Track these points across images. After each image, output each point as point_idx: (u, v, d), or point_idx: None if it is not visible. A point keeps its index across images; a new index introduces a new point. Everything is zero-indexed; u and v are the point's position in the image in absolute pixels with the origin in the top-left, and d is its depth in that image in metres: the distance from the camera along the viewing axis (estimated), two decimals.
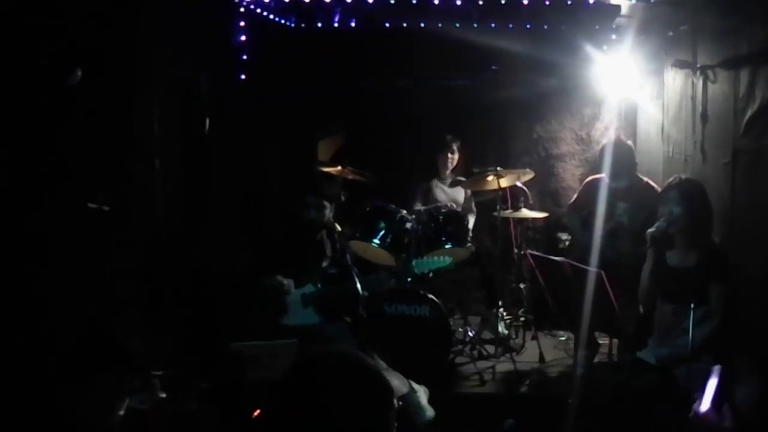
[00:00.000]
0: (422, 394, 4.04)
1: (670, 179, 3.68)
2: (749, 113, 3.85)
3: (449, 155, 5.90)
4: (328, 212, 4.56)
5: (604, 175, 4.92)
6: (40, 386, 2.85)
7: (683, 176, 3.68)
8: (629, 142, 4.92)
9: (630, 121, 6.13)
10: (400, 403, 3.27)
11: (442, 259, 4.76)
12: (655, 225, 3.58)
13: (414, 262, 4.74)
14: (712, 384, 2.84)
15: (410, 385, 3.97)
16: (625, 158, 4.79)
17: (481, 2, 5.51)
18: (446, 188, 5.98)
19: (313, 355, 1.74)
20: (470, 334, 5.33)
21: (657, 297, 3.62)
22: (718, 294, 3.39)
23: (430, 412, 4.00)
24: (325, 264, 4.57)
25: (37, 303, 3.51)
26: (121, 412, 2.75)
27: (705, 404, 2.76)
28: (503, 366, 4.99)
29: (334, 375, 1.66)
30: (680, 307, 3.47)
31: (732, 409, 2.94)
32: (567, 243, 5.84)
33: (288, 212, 4.65)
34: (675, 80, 5.04)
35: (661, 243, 3.54)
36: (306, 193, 4.54)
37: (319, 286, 4.43)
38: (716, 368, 2.91)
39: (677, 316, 3.50)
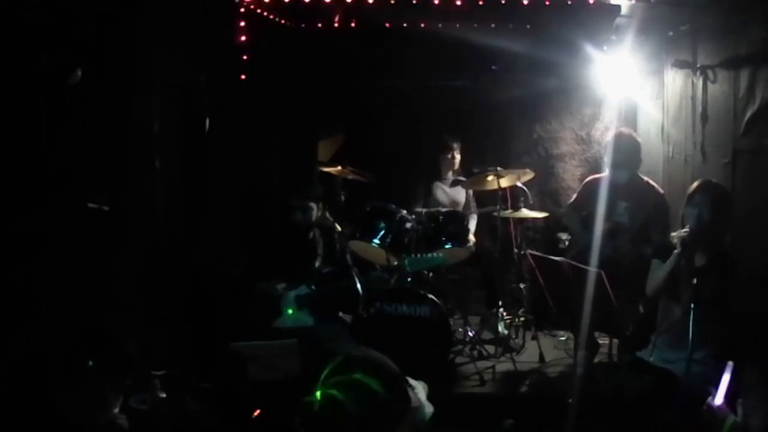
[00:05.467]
0: (421, 390, 4.03)
1: (699, 181, 3.61)
2: (749, 113, 3.85)
3: (451, 155, 5.90)
4: (315, 212, 4.53)
5: (604, 175, 4.92)
6: (39, 386, 2.85)
7: (713, 180, 3.64)
8: (638, 138, 4.91)
9: (630, 121, 6.12)
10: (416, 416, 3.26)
11: (435, 255, 4.76)
12: (686, 228, 3.50)
13: (407, 261, 4.74)
14: (725, 379, 2.86)
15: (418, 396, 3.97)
16: (627, 148, 4.79)
17: (481, 2, 5.51)
18: (447, 189, 5.98)
19: (346, 357, 1.76)
20: (470, 334, 5.33)
21: (668, 298, 3.60)
22: (711, 288, 3.38)
23: (429, 408, 3.99)
24: (317, 264, 4.55)
25: (37, 303, 3.52)
26: (116, 410, 2.75)
27: (719, 398, 2.80)
28: (503, 366, 4.99)
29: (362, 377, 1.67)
30: (687, 309, 3.46)
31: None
32: (567, 243, 5.85)
33: (278, 214, 4.64)
34: (675, 80, 5.04)
35: (690, 248, 3.48)
36: (288, 196, 4.53)
37: (313, 287, 4.41)
38: (729, 364, 2.92)
39: (685, 316, 3.49)
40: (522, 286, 5.72)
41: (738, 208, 4.00)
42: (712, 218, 3.46)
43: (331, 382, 1.76)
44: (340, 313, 4.71)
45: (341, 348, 3.48)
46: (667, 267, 3.54)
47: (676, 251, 3.48)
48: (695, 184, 3.62)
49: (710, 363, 3.39)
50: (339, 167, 5.76)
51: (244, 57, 5.41)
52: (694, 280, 3.32)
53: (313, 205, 4.49)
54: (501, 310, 5.36)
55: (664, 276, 3.55)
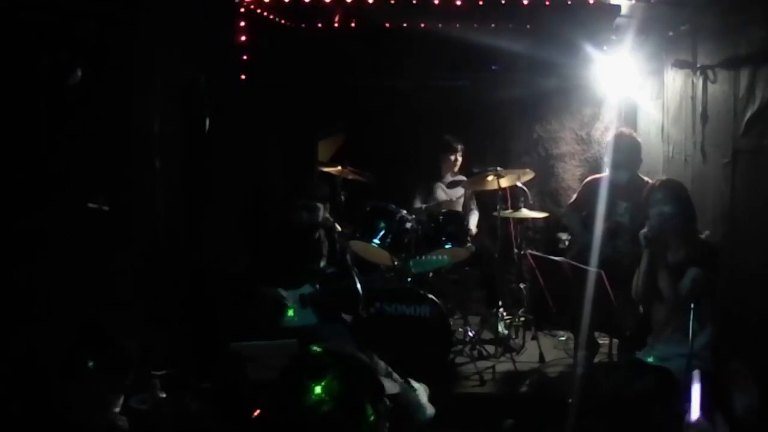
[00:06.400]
0: (422, 392, 4.04)
1: (653, 182, 3.73)
2: (749, 113, 3.85)
3: (454, 157, 5.92)
4: (322, 212, 4.55)
5: (604, 175, 4.92)
6: (39, 386, 2.85)
7: (663, 177, 3.76)
8: (638, 138, 4.92)
9: (630, 121, 6.13)
10: (390, 404, 3.25)
11: (440, 258, 4.76)
12: (647, 226, 3.59)
13: (411, 263, 4.75)
14: (696, 391, 2.84)
15: (404, 385, 3.97)
16: (626, 148, 4.81)
17: (481, 2, 5.51)
18: (447, 188, 5.98)
19: (303, 354, 1.77)
20: (470, 334, 5.33)
21: (653, 297, 3.62)
22: (692, 278, 3.39)
23: (430, 409, 4.00)
24: (322, 264, 4.56)
25: (37, 303, 3.52)
26: (117, 410, 2.75)
27: (695, 413, 2.75)
28: (503, 366, 4.99)
29: (324, 371, 1.68)
30: (674, 305, 3.47)
31: (727, 414, 2.94)
32: (567, 243, 5.85)
33: (282, 214, 4.65)
34: (675, 80, 5.04)
35: (656, 244, 3.55)
36: (291, 195, 4.54)
37: (317, 286, 4.42)
38: (695, 374, 2.92)
39: (672, 314, 3.51)
40: (522, 286, 5.73)
41: (738, 208, 4.00)
42: (674, 210, 3.53)
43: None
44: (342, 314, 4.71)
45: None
46: (641, 267, 3.62)
47: (643, 249, 3.54)
48: (650, 184, 3.74)
49: (706, 356, 3.40)
50: (339, 167, 5.76)
51: (244, 57, 5.41)
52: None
53: (320, 205, 4.51)
54: (501, 310, 5.36)
55: (640, 276, 3.62)
